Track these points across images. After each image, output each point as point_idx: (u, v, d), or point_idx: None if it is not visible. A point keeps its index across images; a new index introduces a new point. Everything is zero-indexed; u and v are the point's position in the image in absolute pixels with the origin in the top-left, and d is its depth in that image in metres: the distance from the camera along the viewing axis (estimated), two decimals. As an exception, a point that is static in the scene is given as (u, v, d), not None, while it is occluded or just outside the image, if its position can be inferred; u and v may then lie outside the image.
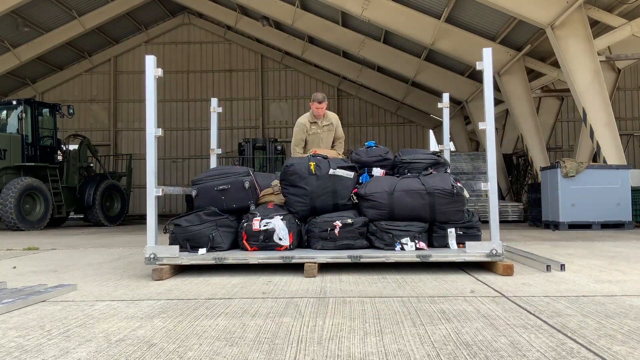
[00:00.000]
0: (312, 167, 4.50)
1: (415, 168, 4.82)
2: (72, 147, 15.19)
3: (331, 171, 4.49)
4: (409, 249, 4.21)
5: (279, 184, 4.75)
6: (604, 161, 10.37)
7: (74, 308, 2.96)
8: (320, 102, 5.62)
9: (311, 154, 4.84)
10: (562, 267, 4.09)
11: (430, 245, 4.46)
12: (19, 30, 18.35)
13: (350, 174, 4.52)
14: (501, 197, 15.32)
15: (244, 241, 4.37)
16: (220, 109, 5.94)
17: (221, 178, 4.61)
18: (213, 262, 4.10)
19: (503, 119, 17.94)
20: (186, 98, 23.14)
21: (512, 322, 2.47)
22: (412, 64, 16.64)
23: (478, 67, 4.17)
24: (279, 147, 18.79)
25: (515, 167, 17.00)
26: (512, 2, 10.47)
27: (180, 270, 4.29)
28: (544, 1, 10.25)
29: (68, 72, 23.22)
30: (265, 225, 4.29)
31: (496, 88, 13.12)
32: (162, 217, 4.33)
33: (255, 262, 4.12)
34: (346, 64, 20.32)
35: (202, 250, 4.26)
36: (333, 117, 5.89)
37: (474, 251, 4.04)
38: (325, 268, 4.27)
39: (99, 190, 14.51)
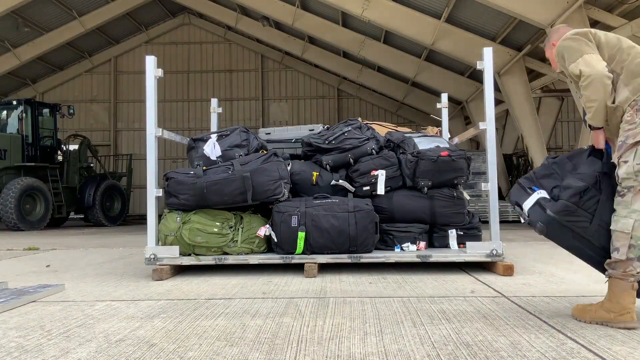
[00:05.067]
0: (314, 178, 4.49)
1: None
2: (72, 147, 15.18)
3: (333, 182, 4.48)
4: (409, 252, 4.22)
5: None
6: (604, 161, 10.35)
7: (74, 308, 2.96)
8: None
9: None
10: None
11: (431, 245, 4.47)
12: (19, 30, 18.33)
13: (352, 189, 4.45)
14: (501, 197, 15.31)
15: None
16: (220, 109, 5.94)
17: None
18: (213, 262, 4.11)
19: (503, 119, 17.93)
20: (186, 98, 23.13)
21: (512, 322, 2.47)
22: (412, 64, 16.64)
23: (479, 67, 4.17)
24: (280, 147, 18.78)
25: (515, 167, 17.00)
26: (512, 2, 10.46)
27: (181, 270, 4.29)
28: (544, 1, 10.25)
29: (68, 72, 23.20)
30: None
31: (496, 88, 13.11)
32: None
33: (256, 262, 4.12)
34: (346, 64, 20.31)
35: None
36: None
37: (474, 251, 4.04)
38: (325, 268, 4.27)
39: (99, 190, 14.50)
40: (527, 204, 2.52)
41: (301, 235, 4.00)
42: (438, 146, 4.50)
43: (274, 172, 4.21)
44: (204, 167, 4.33)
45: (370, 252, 4.13)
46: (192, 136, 4.99)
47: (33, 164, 13.27)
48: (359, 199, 4.23)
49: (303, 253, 4.03)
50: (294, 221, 4.05)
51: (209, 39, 23.47)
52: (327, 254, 4.07)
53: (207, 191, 4.09)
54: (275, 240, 4.13)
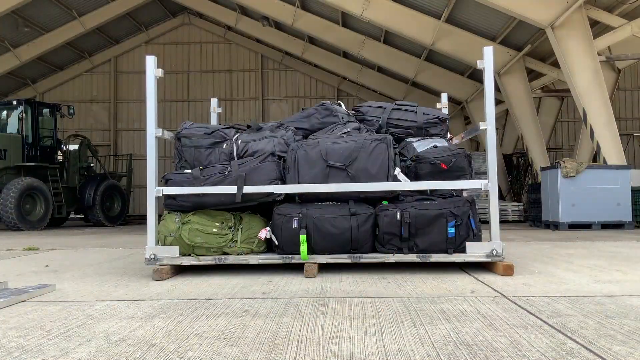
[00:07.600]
0: None
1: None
2: (72, 147, 15.20)
3: None
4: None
5: None
6: (604, 161, 10.37)
7: (74, 308, 2.96)
8: None
9: None
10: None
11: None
12: (19, 30, 18.35)
13: None
14: (501, 197, 15.32)
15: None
16: (220, 109, 5.93)
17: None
18: (213, 262, 4.11)
19: (503, 119, 17.95)
20: (186, 98, 23.14)
21: (512, 322, 2.47)
22: (412, 64, 16.65)
23: (479, 66, 4.16)
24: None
25: (515, 167, 17.01)
26: (512, 2, 10.47)
27: (181, 270, 4.29)
28: (544, 1, 10.25)
29: (68, 72, 23.22)
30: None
31: (496, 88, 13.13)
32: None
33: (256, 262, 4.12)
34: (346, 64, 20.32)
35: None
36: None
37: (474, 251, 4.04)
38: (325, 268, 4.27)
39: (99, 190, 14.51)
40: None
41: (303, 238, 3.99)
42: (435, 145, 4.50)
43: (272, 171, 4.20)
44: (201, 167, 4.33)
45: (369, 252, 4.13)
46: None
47: (33, 164, 13.29)
48: (360, 202, 4.23)
49: None
50: (295, 224, 4.04)
51: (209, 39, 23.48)
52: (328, 254, 4.07)
53: (204, 193, 4.09)
54: (277, 243, 4.13)
